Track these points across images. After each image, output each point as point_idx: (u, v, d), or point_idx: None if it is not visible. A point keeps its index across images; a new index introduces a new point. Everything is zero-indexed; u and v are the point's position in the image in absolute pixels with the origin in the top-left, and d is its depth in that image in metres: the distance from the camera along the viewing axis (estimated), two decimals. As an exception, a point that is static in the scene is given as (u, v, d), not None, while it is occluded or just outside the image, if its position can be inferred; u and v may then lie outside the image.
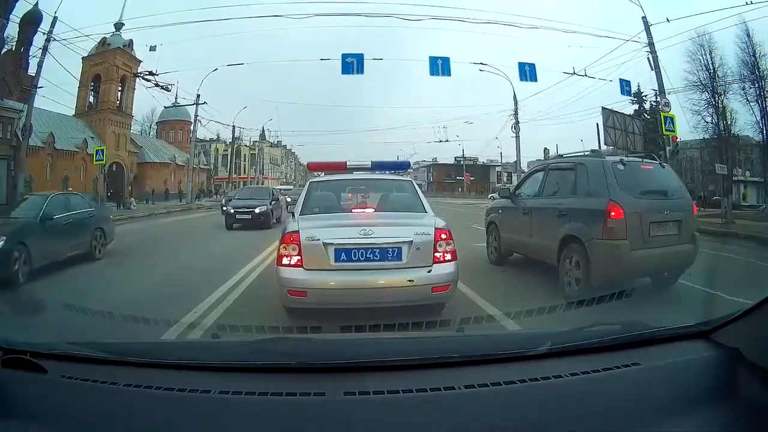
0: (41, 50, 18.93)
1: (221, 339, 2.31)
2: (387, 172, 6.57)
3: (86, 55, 32.09)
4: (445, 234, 4.42)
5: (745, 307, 1.44)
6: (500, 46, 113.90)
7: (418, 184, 6.09)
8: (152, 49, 23.65)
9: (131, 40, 36.03)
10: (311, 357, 1.55)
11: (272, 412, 1.26)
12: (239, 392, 1.29)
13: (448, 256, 4.37)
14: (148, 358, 1.51)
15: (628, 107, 27.82)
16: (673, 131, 18.97)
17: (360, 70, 19.18)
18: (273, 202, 16.35)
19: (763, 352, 1.34)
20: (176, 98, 29.58)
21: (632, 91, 25.36)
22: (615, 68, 39.10)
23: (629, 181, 5.74)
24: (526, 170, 19.82)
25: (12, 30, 27.36)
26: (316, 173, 7.17)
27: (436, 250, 4.33)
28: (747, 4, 18.21)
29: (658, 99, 20.13)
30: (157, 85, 24.02)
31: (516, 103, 29.60)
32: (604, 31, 36.45)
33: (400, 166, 7.45)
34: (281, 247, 4.38)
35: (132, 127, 42.82)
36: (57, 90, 42.96)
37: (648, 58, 19.66)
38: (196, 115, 31.32)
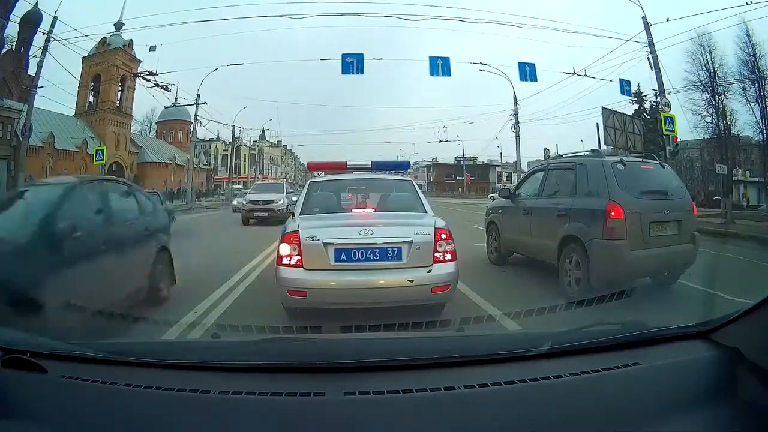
0: (41, 50, 18.93)
1: (221, 339, 2.31)
2: (387, 172, 6.57)
3: (86, 55, 32.11)
4: (445, 234, 4.42)
5: (745, 307, 1.44)
6: (500, 46, 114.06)
7: (418, 184, 6.08)
8: (152, 49, 23.63)
9: (131, 40, 36.12)
10: (311, 357, 1.55)
11: (272, 412, 1.26)
12: (239, 392, 1.29)
13: (448, 256, 4.37)
14: (148, 358, 1.51)
15: (628, 107, 27.80)
16: (673, 131, 18.95)
17: (360, 70, 19.17)
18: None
19: (763, 352, 1.34)
20: (176, 98, 29.56)
21: (632, 91, 25.33)
22: (615, 68, 39.25)
23: (629, 181, 5.74)
24: (526, 170, 19.81)
25: (12, 30, 27.45)
26: (316, 173, 7.17)
27: (436, 250, 4.33)
28: (747, 4, 18.20)
29: (658, 99, 20.11)
30: (157, 85, 24.01)
31: (516, 103, 29.62)
32: (604, 31, 36.55)
33: (400, 166, 7.46)
34: (281, 246, 4.38)
35: (132, 127, 42.90)
36: (57, 90, 43.10)
37: (648, 58, 19.66)
38: (196, 115, 31.30)
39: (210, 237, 13.12)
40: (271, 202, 16.45)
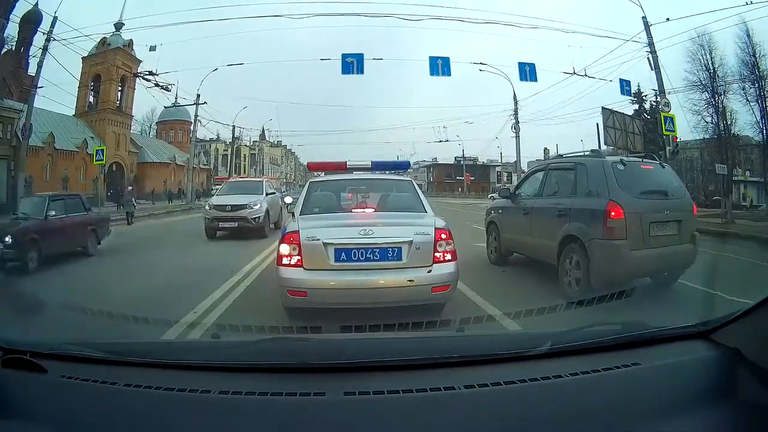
0: (41, 50, 18.91)
1: (221, 339, 2.31)
2: (387, 172, 6.57)
3: (86, 55, 32.10)
4: (445, 234, 4.42)
5: (745, 307, 1.44)
6: (500, 46, 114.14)
7: (418, 184, 6.08)
8: (152, 49, 23.63)
9: (131, 40, 36.07)
10: (311, 357, 1.55)
11: (272, 412, 1.26)
12: (239, 392, 1.30)
13: (448, 256, 4.37)
14: (148, 358, 1.51)
15: (628, 107, 27.85)
16: (673, 131, 18.95)
17: (360, 70, 19.17)
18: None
19: (763, 352, 1.34)
20: (176, 98, 29.58)
21: (632, 91, 25.35)
22: (615, 68, 39.25)
23: (629, 181, 5.74)
24: (526, 170, 19.81)
25: (12, 30, 27.47)
26: (316, 173, 7.17)
27: (436, 250, 4.33)
28: (747, 4, 18.21)
29: (658, 99, 20.12)
30: (157, 85, 24.03)
31: (516, 103, 29.63)
32: (604, 31, 36.54)
33: (400, 166, 7.44)
34: (281, 246, 4.38)
35: (132, 127, 42.85)
36: (57, 90, 43.05)
37: (648, 58, 19.65)
38: (196, 115, 31.32)
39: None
40: (242, 207, 12.29)
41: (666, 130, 18.55)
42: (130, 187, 24.12)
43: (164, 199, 38.19)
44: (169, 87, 24.75)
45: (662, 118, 18.69)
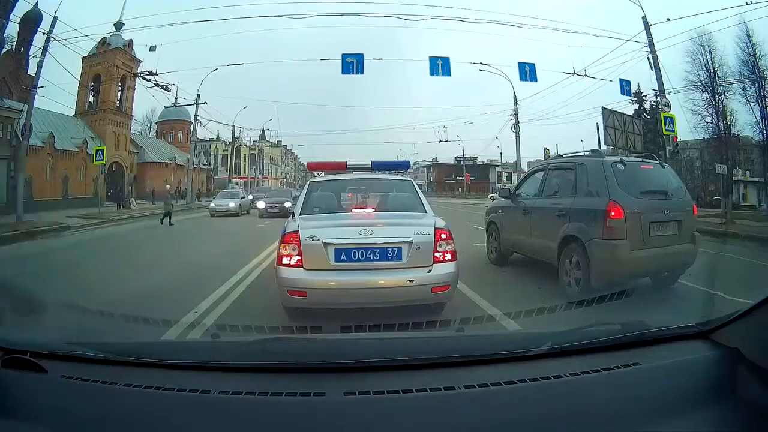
0: (41, 50, 18.87)
1: (221, 339, 2.31)
2: (387, 172, 6.56)
3: (86, 55, 32.07)
4: (445, 234, 4.42)
5: (745, 307, 1.44)
6: (500, 46, 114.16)
7: (418, 184, 6.08)
8: (152, 49, 23.59)
9: (131, 40, 36.05)
10: (311, 357, 1.55)
11: (272, 412, 1.26)
12: (239, 392, 1.29)
13: (448, 256, 4.37)
14: (148, 358, 1.51)
15: (628, 107, 27.87)
16: (673, 131, 18.94)
17: (360, 70, 19.14)
18: None
19: (763, 352, 1.34)
20: (176, 98, 29.53)
21: (632, 91, 25.34)
22: (615, 68, 39.27)
23: (629, 181, 5.74)
24: (526, 170, 19.79)
25: (12, 30, 27.45)
26: (316, 173, 7.16)
27: (436, 250, 4.33)
28: (747, 4, 18.22)
29: (658, 99, 20.10)
30: (157, 85, 24.02)
31: (516, 102, 29.59)
32: (604, 31, 36.59)
33: (400, 166, 7.43)
34: (281, 246, 4.38)
35: (132, 127, 42.79)
36: (57, 90, 43.07)
37: (648, 58, 19.64)
38: (196, 115, 31.31)
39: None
40: None
41: (666, 130, 18.54)
42: (168, 186, 24.09)
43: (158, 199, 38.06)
44: (169, 87, 24.76)
45: (662, 118, 18.68)
